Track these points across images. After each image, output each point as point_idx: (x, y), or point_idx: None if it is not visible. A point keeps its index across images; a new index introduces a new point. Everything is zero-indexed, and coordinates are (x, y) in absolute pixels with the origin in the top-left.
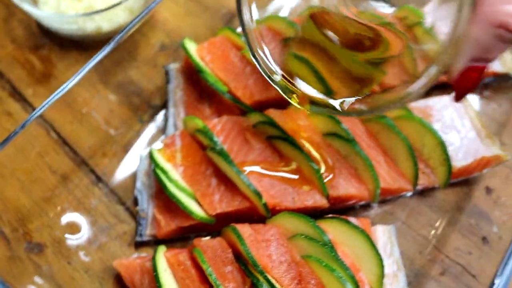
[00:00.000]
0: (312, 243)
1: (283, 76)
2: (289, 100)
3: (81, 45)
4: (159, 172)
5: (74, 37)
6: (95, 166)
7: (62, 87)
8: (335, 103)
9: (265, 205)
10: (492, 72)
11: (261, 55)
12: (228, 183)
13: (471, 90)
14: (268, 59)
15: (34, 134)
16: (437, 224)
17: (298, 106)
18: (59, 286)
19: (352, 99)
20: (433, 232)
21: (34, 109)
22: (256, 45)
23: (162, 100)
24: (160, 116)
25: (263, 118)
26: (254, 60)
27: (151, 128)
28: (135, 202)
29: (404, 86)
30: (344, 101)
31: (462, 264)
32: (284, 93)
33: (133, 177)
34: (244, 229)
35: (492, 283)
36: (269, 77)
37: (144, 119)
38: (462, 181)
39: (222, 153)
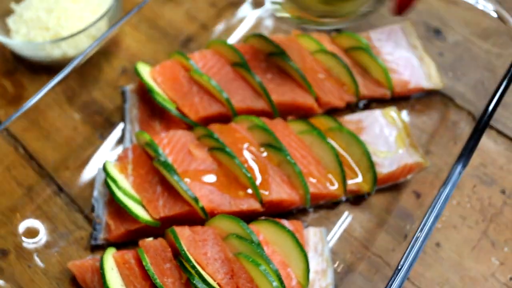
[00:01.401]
0: (242, 242)
1: None
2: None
3: (50, 70)
4: (109, 181)
5: (43, 63)
6: (58, 178)
7: (26, 103)
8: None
9: (202, 208)
10: (420, 88)
11: None
12: (171, 190)
13: (410, 3)
14: None
15: (3, 150)
16: (367, 225)
17: (287, 15)
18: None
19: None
20: (363, 233)
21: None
22: None
23: (120, 118)
24: (118, 132)
25: (205, 132)
26: None
27: (109, 143)
28: (92, 210)
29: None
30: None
31: (384, 259)
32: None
33: (92, 187)
34: (184, 231)
35: (397, 267)
36: None
37: (103, 135)
38: (392, 186)
39: (165, 164)
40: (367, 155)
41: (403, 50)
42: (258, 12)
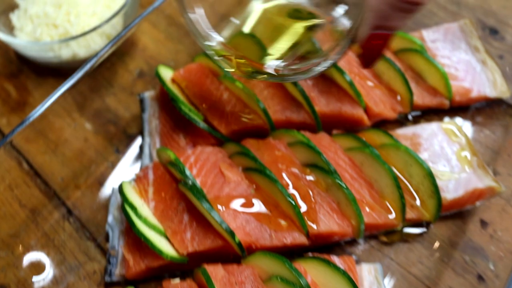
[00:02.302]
0: (288, 286)
1: (221, 43)
2: (223, 67)
3: (59, 73)
4: (127, 208)
5: (51, 65)
6: (66, 199)
7: (32, 113)
8: (270, 69)
9: (239, 244)
10: (484, 96)
11: (194, 17)
12: (200, 220)
13: (377, 57)
14: (202, 23)
15: (5, 166)
16: (429, 261)
17: (234, 72)
18: None
19: (284, 64)
20: (424, 270)
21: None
22: (188, 4)
23: (138, 129)
24: (136, 146)
25: (239, 149)
26: (186, 21)
27: (127, 159)
28: (107, 238)
29: (327, 53)
30: (278, 67)
31: None
32: (217, 61)
33: (106, 211)
34: (216, 271)
35: None
36: (201, 41)
37: (120, 149)
38: (455, 214)
39: (193, 188)
40: (430, 178)
41: (462, 53)
42: None
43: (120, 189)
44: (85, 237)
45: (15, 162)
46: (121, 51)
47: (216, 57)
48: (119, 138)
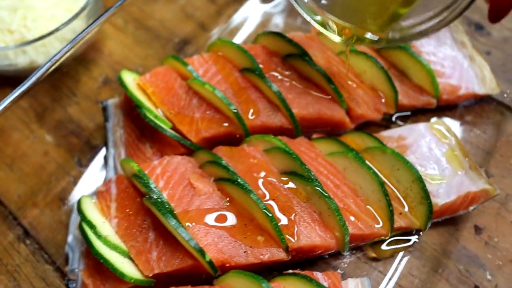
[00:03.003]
0: None
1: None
2: (333, 36)
3: (16, 82)
4: (85, 226)
5: (7, 73)
6: (23, 218)
7: None
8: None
9: (210, 262)
10: (472, 94)
11: None
12: (168, 238)
13: (508, 9)
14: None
15: None
16: (421, 272)
17: (341, 40)
18: None
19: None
20: (416, 281)
21: None
22: None
23: (103, 139)
24: (101, 158)
25: (210, 157)
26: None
27: (90, 172)
28: (66, 260)
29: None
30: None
31: None
32: (325, 30)
33: (67, 230)
34: None
35: None
36: (310, 16)
37: (83, 162)
38: (447, 220)
39: (158, 203)
40: (419, 182)
41: (448, 49)
42: (266, 7)
43: (78, 205)
44: (42, 260)
45: None
46: (86, 58)
47: (319, 26)
48: (82, 150)
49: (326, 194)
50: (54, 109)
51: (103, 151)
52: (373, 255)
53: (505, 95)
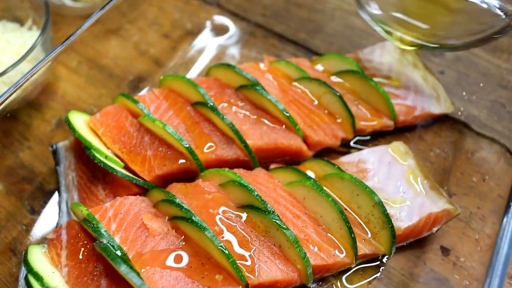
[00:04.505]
0: None
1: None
2: (392, 40)
3: None
4: (31, 279)
5: None
6: None
7: None
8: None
9: None
10: (428, 113)
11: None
12: (121, 284)
13: None
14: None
15: None
16: None
17: (400, 44)
18: None
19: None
20: None
21: None
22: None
23: (57, 184)
24: (54, 203)
25: (164, 196)
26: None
27: (43, 220)
28: None
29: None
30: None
31: None
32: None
33: (17, 284)
34: None
35: None
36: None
37: (35, 209)
38: (413, 243)
39: (107, 249)
40: (380, 207)
41: (402, 69)
42: (221, 39)
43: (25, 256)
44: None
45: None
46: (38, 101)
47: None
48: (34, 196)
49: (284, 226)
50: (4, 156)
51: (56, 197)
52: None
53: (460, 113)
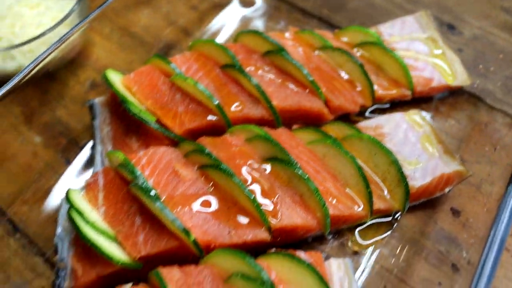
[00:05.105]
0: (250, 283)
1: None
2: None
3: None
4: (73, 213)
5: None
6: (12, 215)
7: None
8: None
9: (195, 242)
10: (445, 85)
11: None
12: (154, 222)
13: None
14: None
15: None
16: (401, 253)
17: None
18: None
19: None
20: (397, 262)
21: None
22: None
23: (91, 139)
24: (88, 155)
25: (194, 147)
26: None
27: (78, 170)
28: (56, 251)
29: None
30: None
31: None
32: None
33: (55, 223)
34: (172, 273)
35: None
36: None
37: (71, 160)
38: (425, 204)
39: (143, 188)
40: (396, 165)
41: (420, 44)
42: (246, 12)
43: (66, 195)
44: (32, 253)
45: None
46: (73, 63)
47: None
48: (70, 149)
49: (306, 176)
50: (43, 112)
51: (90, 150)
52: (355, 248)
53: (475, 86)
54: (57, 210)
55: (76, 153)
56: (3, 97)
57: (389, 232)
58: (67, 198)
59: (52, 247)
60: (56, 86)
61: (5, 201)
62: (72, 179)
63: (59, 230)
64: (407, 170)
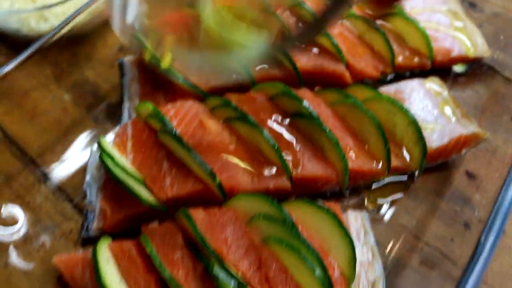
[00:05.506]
0: (271, 223)
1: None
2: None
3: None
4: (105, 157)
5: (29, 39)
6: (43, 164)
7: None
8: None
9: (220, 186)
10: (464, 56)
11: None
12: (180, 166)
13: None
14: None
15: None
16: (415, 211)
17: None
18: None
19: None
20: (411, 220)
21: None
22: None
23: (118, 98)
24: (116, 112)
25: (221, 101)
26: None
27: (106, 126)
28: (84, 197)
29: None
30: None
31: (442, 251)
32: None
33: (83, 173)
34: (197, 213)
35: (468, 267)
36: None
37: (98, 117)
38: (441, 166)
39: (171, 134)
40: (414, 124)
41: (442, 16)
42: None
43: (99, 142)
44: (61, 199)
45: None
46: (103, 29)
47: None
48: (97, 106)
49: (327, 129)
50: (72, 72)
51: (118, 107)
52: (370, 206)
53: (495, 58)
54: (85, 162)
55: (104, 110)
56: (35, 57)
57: (405, 192)
58: (99, 144)
59: (80, 194)
60: (85, 49)
61: (36, 152)
62: (101, 134)
63: (88, 177)
64: (425, 132)
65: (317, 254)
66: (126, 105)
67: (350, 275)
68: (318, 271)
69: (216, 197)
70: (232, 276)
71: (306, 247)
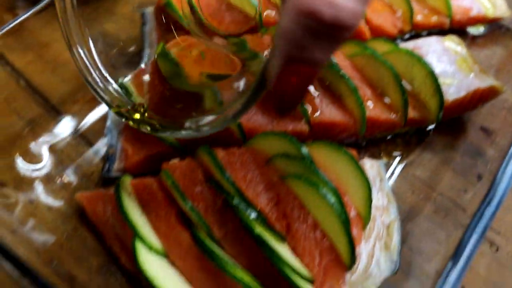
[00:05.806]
0: (290, 160)
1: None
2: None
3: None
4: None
5: None
6: (65, 112)
7: (15, 19)
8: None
9: (240, 126)
10: (483, 16)
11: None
12: (190, 102)
13: (293, 100)
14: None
15: (1, 82)
16: (430, 163)
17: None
18: (19, 221)
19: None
20: (426, 171)
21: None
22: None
23: (138, 48)
24: (135, 61)
25: (238, 40)
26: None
27: (126, 72)
28: (105, 143)
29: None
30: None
31: (455, 201)
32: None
33: (104, 121)
34: (217, 151)
35: (477, 212)
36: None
37: (117, 65)
38: (457, 121)
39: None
40: (432, 76)
41: None
42: None
43: (120, 83)
44: (82, 144)
45: (14, 80)
46: None
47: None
48: (118, 57)
49: (346, 76)
50: (92, 26)
51: (137, 56)
52: (386, 158)
53: None
54: (106, 111)
55: (124, 60)
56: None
57: (420, 145)
58: (120, 84)
59: (101, 140)
60: (105, 4)
61: (58, 101)
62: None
63: (108, 122)
64: (443, 86)
65: (336, 189)
66: (146, 53)
67: (366, 216)
68: (336, 206)
69: (235, 139)
70: (252, 208)
71: (324, 182)
